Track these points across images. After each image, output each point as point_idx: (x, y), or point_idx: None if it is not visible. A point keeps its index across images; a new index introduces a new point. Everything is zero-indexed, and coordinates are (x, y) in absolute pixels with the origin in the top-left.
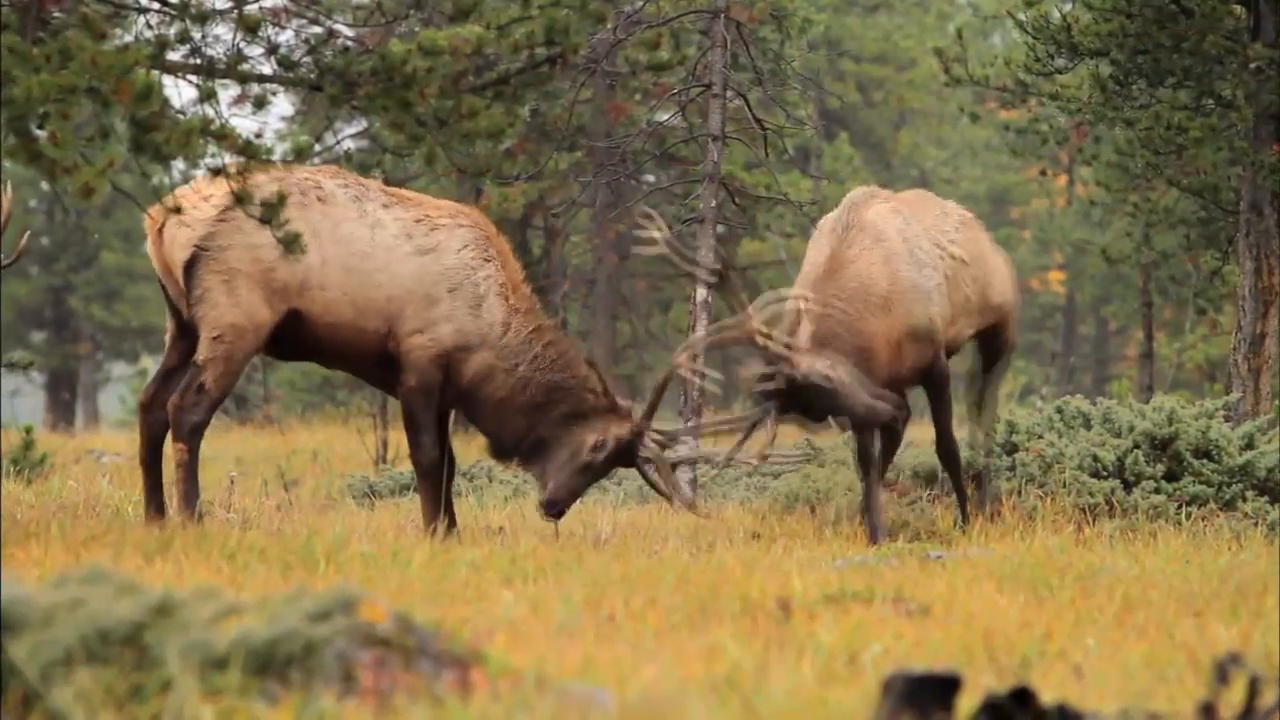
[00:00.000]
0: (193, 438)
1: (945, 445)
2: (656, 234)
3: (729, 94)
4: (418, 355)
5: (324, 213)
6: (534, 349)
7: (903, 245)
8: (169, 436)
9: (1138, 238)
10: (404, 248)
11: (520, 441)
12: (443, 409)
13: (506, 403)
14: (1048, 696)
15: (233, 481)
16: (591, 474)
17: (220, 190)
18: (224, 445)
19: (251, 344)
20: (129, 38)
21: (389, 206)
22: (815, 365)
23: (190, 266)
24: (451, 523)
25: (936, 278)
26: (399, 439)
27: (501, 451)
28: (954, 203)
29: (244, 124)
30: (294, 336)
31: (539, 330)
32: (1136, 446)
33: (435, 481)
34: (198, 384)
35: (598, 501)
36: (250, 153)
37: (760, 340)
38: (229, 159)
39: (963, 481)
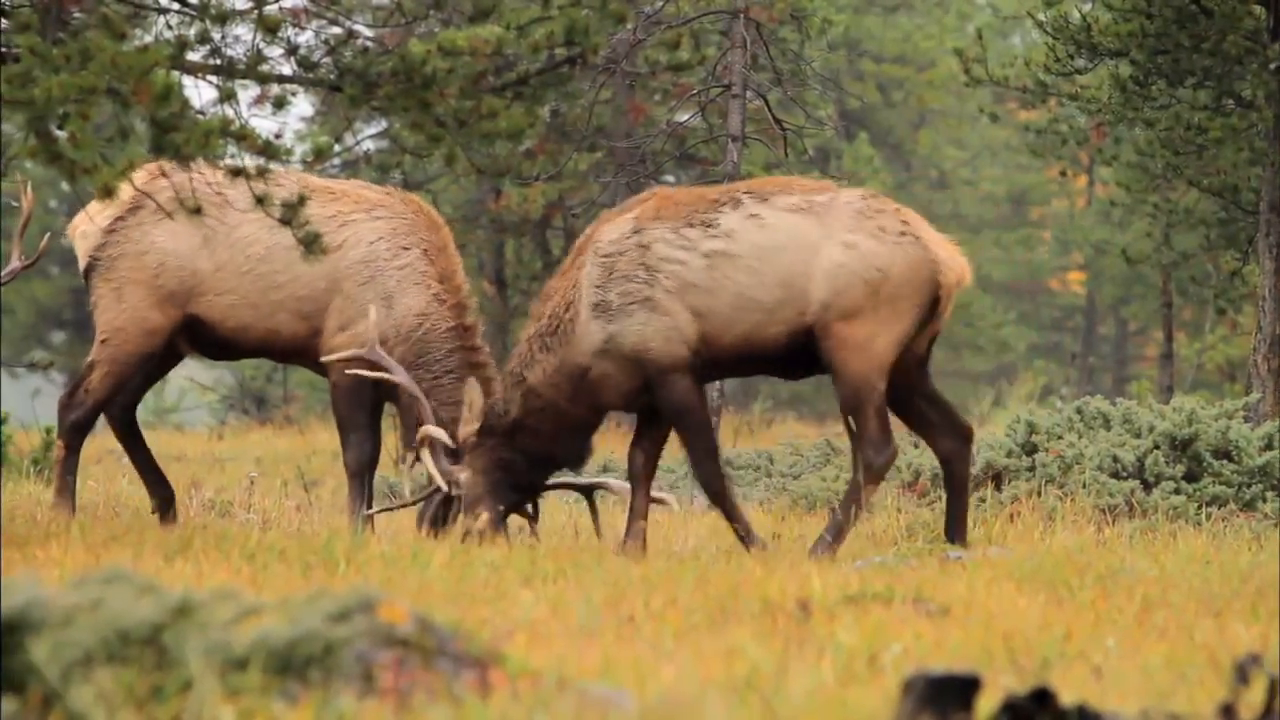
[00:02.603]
0: (74, 436)
1: (701, 482)
2: None
3: (749, 94)
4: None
5: (220, 218)
6: (441, 348)
7: (598, 265)
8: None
9: (1158, 238)
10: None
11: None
12: (376, 401)
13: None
14: (1067, 697)
15: (253, 482)
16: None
17: (119, 201)
18: (244, 446)
19: (138, 347)
20: (149, 38)
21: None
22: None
23: (87, 275)
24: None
25: (641, 290)
26: None
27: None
28: (804, 183)
29: (264, 124)
30: (208, 339)
31: (457, 329)
32: (1156, 447)
33: (364, 482)
34: (84, 385)
35: (617, 503)
36: (270, 153)
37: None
38: (249, 160)
39: (737, 511)
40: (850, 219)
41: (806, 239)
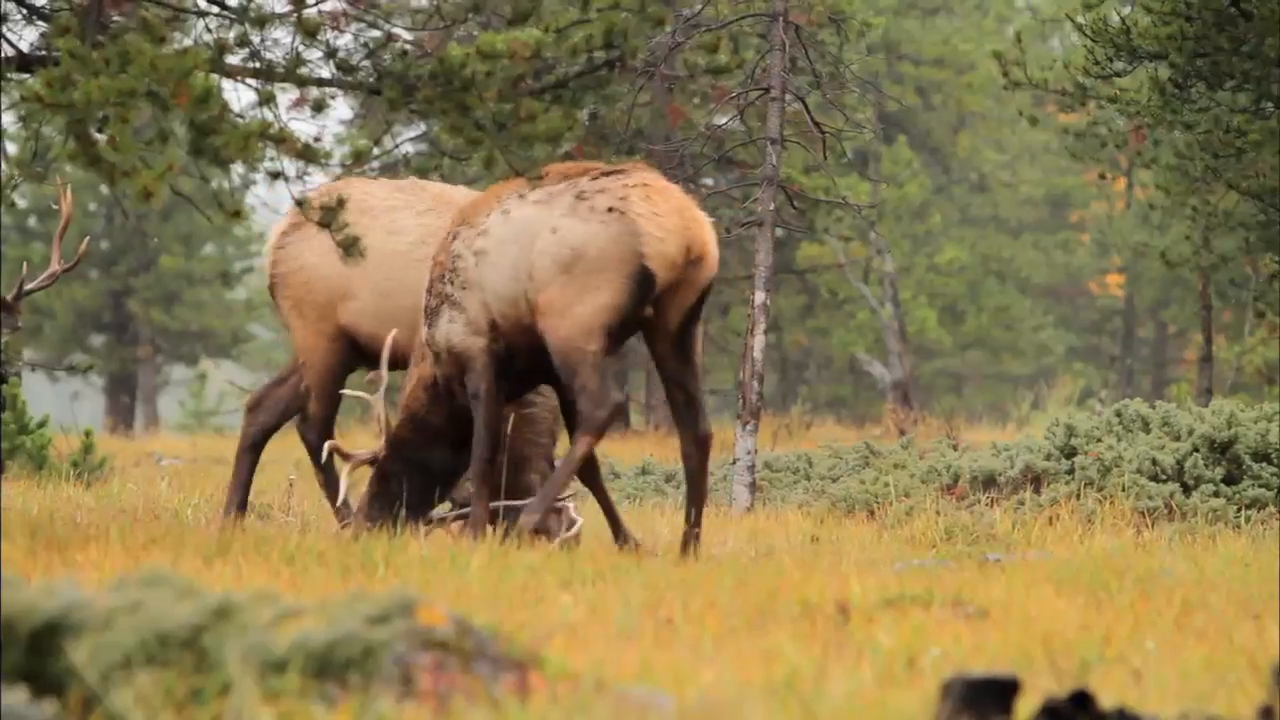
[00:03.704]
0: (315, 453)
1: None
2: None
3: (788, 97)
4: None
5: (366, 225)
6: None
7: (427, 273)
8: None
9: (1197, 241)
10: (415, 254)
11: None
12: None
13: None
14: (1107, 700)
15: (292, 485)
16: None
17: (287, 217)
18: (283, 449)
19: (329, 356)
20: (188, 41)
21: (422, 214)
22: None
23: (272, 294)
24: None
25: (445, 290)
26: None
27: None
28: (562, 170)
29: (303, 128)
30: (358, 350)
31: None
32: (1195, 450)
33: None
34: (307, 410)
35: (656, 505)
36: (309, 156)
37: None
38: (288, 163)
39: (485, 508)
40: (568, 203)
41: (530, 229)
